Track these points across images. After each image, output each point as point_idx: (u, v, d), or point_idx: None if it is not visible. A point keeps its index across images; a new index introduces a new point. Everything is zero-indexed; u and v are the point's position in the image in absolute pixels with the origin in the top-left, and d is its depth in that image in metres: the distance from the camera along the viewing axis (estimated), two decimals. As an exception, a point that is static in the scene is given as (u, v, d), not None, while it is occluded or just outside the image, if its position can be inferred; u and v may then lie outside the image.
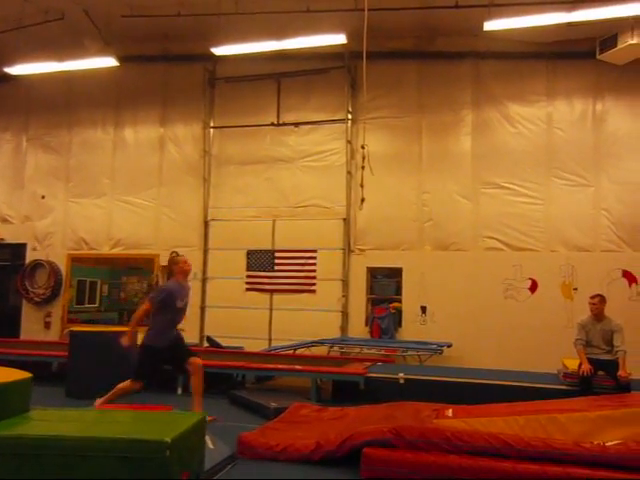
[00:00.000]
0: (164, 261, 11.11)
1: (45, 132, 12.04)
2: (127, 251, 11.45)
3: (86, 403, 5.85)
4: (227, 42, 9.44)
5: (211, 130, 11.12)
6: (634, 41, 7.87)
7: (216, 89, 11.14)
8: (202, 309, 10.80)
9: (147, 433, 3.10)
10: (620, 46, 7.99)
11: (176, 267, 5.83)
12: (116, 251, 11.50)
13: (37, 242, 11.89)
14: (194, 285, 10.88)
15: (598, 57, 8.38)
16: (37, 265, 11.68)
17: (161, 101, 11.38)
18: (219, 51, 9.62)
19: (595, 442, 4.06)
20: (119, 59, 10.26)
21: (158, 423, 3.35)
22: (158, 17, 9.38)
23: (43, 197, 11.91)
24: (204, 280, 10.85)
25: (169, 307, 5.63)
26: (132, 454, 2.99)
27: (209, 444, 4.32)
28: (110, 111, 11.64)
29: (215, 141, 11.15)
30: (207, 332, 10.48)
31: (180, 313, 5.83)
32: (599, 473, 3.86)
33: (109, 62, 10.19)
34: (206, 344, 10.14)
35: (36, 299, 11.56)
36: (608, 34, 8.14)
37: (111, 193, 11.50)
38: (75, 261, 11.80)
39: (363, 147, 5.28)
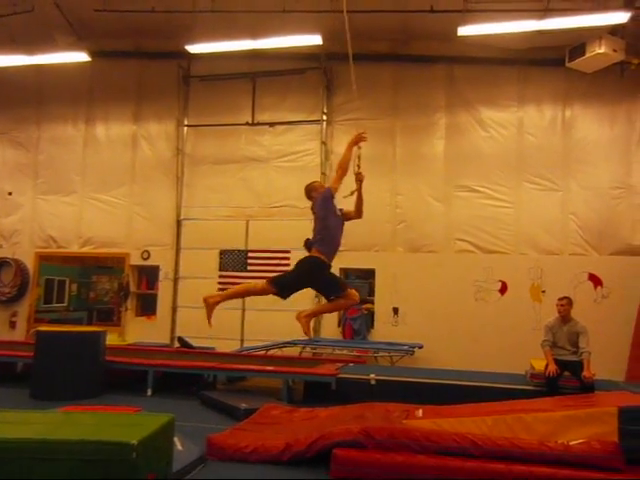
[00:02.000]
0: (135, 260, 11.00)
1: (13, 127, 11.76)
2: (97, 250, 11.27)
3: (51, 405, 5.72)
4: (202, 40, 9.37)
5: (185, 128, 11.01)
6: (602, 50, 8.07)
7: (190, 87, 11.04)
8: (174, 309, 10.68)
9: (113, 435, 3.05)
10: (588, 55, 8.18)
11: (315, 193, 5.20)
12: (86, 250, 11.29)
13: (3, 240, 11.61)
14: (165, 285, 10.81)
15: (567, 65, 8.57)
16: (3, 263, 11.40)
17: (134, 98, 11.22)
18: (194, 49, 9.55)
19: (559, 441, 4.14)
20: (91, 54, 10.09)
21: (125, 425, 3.30)
22: (132, 12, 9.25)
23: (10, 194, 11.64)
24: (176, 280, 10.73)
25: (332, 214, 5.03)
26: (98, 457, 2.94)
27: (178, 446, 4.28)
28: (81, 107, 11.43)
29: (189, 140, 11.04)
30: (178, 333, 10.36)
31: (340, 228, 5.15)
32: (563, 472, 3.95)
33: (81, 57, 10.02)
34: (177, 345, 10.03)
35: (1, 298, 11.28)
36: (577, 43, 8.32)
37: (81, 190, 11.29)
38: (43, 259, 11.56)
39: (360, 147, 5.20)
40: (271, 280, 4.99)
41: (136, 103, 11.21)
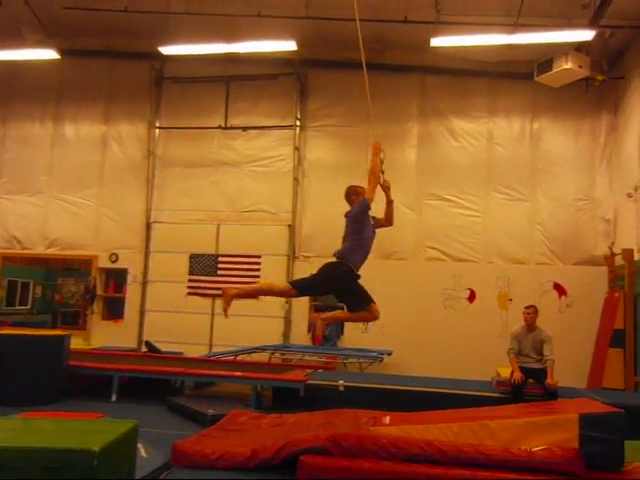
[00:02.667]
0: (103, 263, 10.80)
1: (-23, 124, 11.45)
2: (63, 251, 11.01)
3: (11, 411, 5.55)
4: (175, 42, 9.30)
5: (157, 130, 10.88)
6: (568, 66, 8.30)
7: (163, 89, 10.93)
8: (141, 313, 10.52)
9: (74, 442, 2.97)
10: (555, 70, 8.41)
11: (356, 197, 5.08)
12: (52, 251, 11.03)
13: (-36, 239, 11.26)
14: (133, 288, 10.64)
15: (536, 79, 8.78)
16: (-37, 264, 11.06)
17: (105, 98, 11.05)
18: (167, 50, 9.46)
19: (523, 448, 4.21)
20: (61, 52, 9.91)
21: (86, 431, 3.22)
22: (103, 11, 9.11)
23: (-27, 193, 11.30)
24: (144, 283, 10.57)
25: (369, 225, 4.99)
26: (58, 464, 2.86)
27: (142, 452, 4.20)
28: (49, 105, 11.18)
29: (160, 142, 10.92)
30: (146, 337, 10.20)
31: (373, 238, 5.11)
32: (526, 478, 4.02)
33: (49, 54, 9.82)
34: (144, 349, 9.87)
35: (-39, 300, 10.94)
36: (545, 58, 8.55)
37: (48, 191, 11.03)
38: (6, 260, 11.26)
39: (382, 157, 5.18)
40: (293, 282, 4.99)
41: (106, 103, 11.04)
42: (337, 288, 4.95)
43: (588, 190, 9.63)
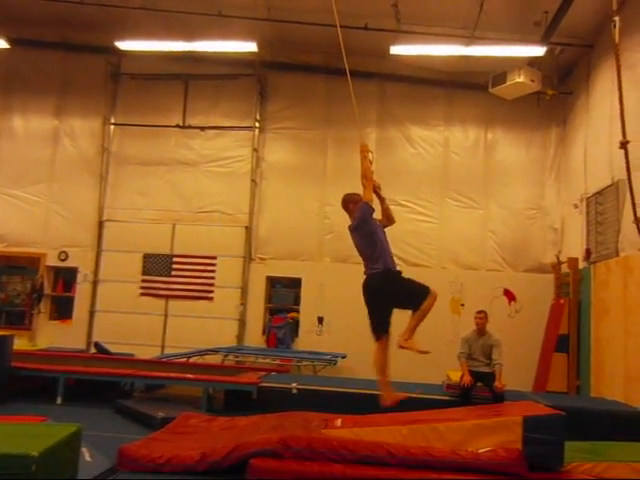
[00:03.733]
0: (52, 261, 10.45)
1: None
2: (9, 248, 10.62)
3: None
4: (133, 37, 9.12)
5: (111, 126, 10.64)
6: (521, 79, 8.59)
7: (120, 84, 10.69)
8: (91, 313, 10.24)
9: (12, 447, 2.86)
10: (509, 82, 8.68)
11: (353, 205, 4.94)
12: (-4, 248, 10.60)
13: None
14: (83, 288, 10.34)
15: (490, 90, 9.03)
16: None
17: (57, 91, 10.71)
18: (124, 45, 9.27)
19: (470, 449, 4.31)
20: (10, 41, 9.57)
21: (26, 436, 3.10)
22: (58, 1, 8.83)
23: None
24: (95, 283, 10.30)
25: (377, 227, 4.88)
26: (-5, 470, 2.75)
27: (86, 457, 4.08)
28: (-3, 96, 10.77)
29: (115, 138, 10.67)
30: (96, 338, 9.93)
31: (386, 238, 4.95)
32: (472, 478, 4.11)
33: (-2, 43, 9.45)
34: (93, 350, 9.60)
35: None
36: (499, 71, 8.81)
37: (-7, 185, 10.61)
38: (-53, 257, 10.73)
39: (371, 158, 5.09)
40: (374, 335, 4.85)
41: (59, 97, 10.70)
42: (388, 295, 4.80)
43: (538, 200, 9.97)
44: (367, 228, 4.83)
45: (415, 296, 4.75)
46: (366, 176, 4.87)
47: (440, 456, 4.23)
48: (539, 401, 5.83)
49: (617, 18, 5.73)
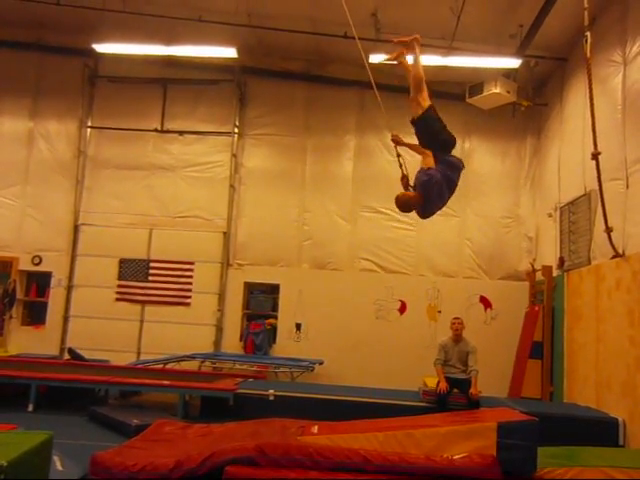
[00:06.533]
0: (25, 265, 10.26)
1: None
2: (-20, 252, 10.37)
3: None
4: (111, 40, 9.04)
5: (88, 130, 10.51)
6: (497, 90, 8.76)
7: (97, 87, 10.59)
8: (65, 319, 10.07)
9: (-18, 455, 2.81)
10: (485, 93, 8.85)
11: (413, 200, 4.93)
12: (-33, 251, 10.36)
13: None
14: (57, 293, 10.16)
15: (467, 100, 9.19)
16: None
17: (32, 93, 10.54)
18: (101, 48, 9.19)
19: (445, 455, 4.34)
20: (-16, 41, 9.40)
21: (-3, 444, 3.05)
22: (34, 2, 8.69)
23: None
24: (70, 288, 10.14)
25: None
26: (-38, 479, 2.69)
27: (58, 465, 4.01)
28: (-30, 97, 10.56)
29: (92, 141, 10.55)
30: (70, 344, 9.76)
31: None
32: (447, 484, 4.15)
33: (-28, 43, 9.29)
34: (67, 356, 9.43)
35: None
36: (476, 81, 8.97)
37: (-35, 187, 10.38)
38: None
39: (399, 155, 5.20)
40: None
41: (34, 98, 10.54)
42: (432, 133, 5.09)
43: (513, 208, 10.13)
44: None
45: (446, 141, 5.24)
46: (418, 150, 5.05)
47: (415, 462, 4.26)
48: (514, 407, 5.90)
49: (589, 33, 5.87)
